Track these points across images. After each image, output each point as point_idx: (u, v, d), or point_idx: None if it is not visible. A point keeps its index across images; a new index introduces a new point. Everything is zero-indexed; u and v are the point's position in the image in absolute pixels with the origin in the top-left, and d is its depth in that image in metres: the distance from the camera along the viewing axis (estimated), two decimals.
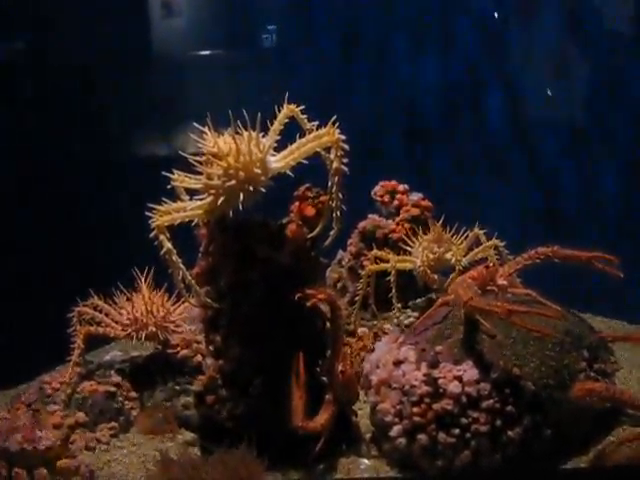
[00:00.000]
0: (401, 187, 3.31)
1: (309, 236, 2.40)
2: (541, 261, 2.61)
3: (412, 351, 2.37)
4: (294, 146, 2.30)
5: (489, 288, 2.49)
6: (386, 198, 3.30)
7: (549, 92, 3.85)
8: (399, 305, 3.01)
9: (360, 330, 3.09)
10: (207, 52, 3.95)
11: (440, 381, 2.25)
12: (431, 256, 2.88)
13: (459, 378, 2.24)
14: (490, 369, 2.26)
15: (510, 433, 2.22)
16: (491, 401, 2.22)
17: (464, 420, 2.22)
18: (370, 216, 3.30)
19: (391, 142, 4.16)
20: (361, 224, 3.29)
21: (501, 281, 2.50)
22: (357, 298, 3.09)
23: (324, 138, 2.28)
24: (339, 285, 3.38)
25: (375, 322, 3.15)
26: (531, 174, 4.06)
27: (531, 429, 2.25)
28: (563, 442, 2.33)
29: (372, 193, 3.35)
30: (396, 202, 3.29)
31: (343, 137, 2.28)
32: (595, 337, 2.59)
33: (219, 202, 2.22)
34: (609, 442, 2.40)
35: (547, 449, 2.29)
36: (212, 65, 3.98)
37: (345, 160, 2.28)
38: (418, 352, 2.36)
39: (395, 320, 3.02)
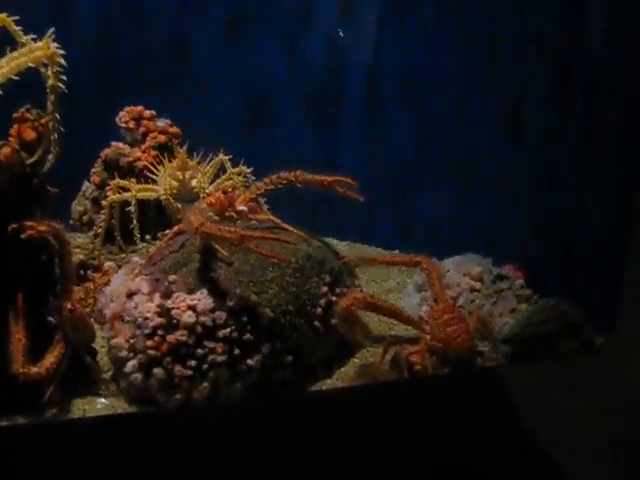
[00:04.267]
0: (147, 113, 3.15)
1: (29, 162, 2.19)
2: (284, 185, 2.57)
3: (146, 282, 2.26)
4: (3, 60, 2.09)
5: (228, 214, 2.41)
6: (132, 124, 3.12)
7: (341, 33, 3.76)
8: (147, 236, 2.90)
9: (107, 264, 2.92)
10: None
11: (173, 312, 2.16)
12: (174, 184, 2.76)
13: (193, 308, 2.16)
14: (226, 297, 2.19)
15: (249, 361, 2.18)
16: (228, 330, 2.16)
17: (200, 351, 2.15)
18: (114, 144, 3.11)
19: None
20: (104, 152, 3.09)
21: (240, 207, 2.43)
22: (99, 231, 2.91)
23: (38, 52, 2.08)
24: (85, 218, 3.19)
25: (123, 255, 2.99)
26: None
27: (271, 356, 2.22)
28: (306, 367, 2.33)
29: (117, 119, 3.15)
30: (142, 129, 3.12)
31: (61, 52, 2.09)
32: (338, 261, 2.60)
33: None
34: (353, 364, 2.44)
35: (290, 375, 2.28)
36: None
37: (63, 77, 2.09)
38: (152, 283, 2.25)
39: (145, 252, 2.88)
